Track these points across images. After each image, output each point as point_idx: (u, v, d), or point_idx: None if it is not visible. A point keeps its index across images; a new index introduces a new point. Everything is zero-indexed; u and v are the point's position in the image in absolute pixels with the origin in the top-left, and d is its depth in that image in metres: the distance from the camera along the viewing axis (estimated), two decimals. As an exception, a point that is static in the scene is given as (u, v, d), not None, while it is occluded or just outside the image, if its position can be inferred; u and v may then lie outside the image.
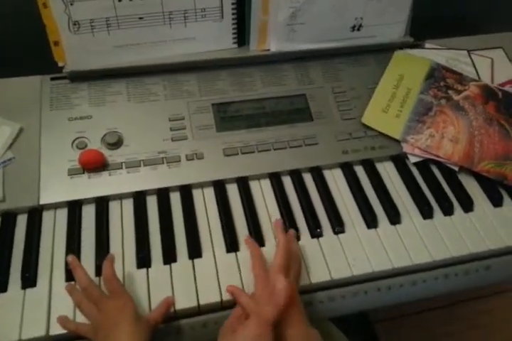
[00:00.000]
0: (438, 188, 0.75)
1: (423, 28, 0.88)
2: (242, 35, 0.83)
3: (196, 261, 0.66)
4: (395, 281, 0.67)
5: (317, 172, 0.76)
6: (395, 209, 0.72)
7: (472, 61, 0.89)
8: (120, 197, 0.72)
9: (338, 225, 0.70)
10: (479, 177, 0.76)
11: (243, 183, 0.74)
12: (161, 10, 0.77)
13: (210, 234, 0.69)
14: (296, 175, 0.76)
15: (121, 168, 0.73)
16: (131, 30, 0.78)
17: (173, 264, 0.65)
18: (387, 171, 0.78)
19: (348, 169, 0.77)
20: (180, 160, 0.74)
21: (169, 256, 0.66)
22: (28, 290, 0.62)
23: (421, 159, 0.78)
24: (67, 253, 0.65)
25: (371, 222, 0.70)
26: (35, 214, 0.69)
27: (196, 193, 0.73)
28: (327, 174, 0.76)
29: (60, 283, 0.63)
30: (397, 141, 0.78)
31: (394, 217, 0.71)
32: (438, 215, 0.72)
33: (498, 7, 1.04)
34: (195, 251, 0.66)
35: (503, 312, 1.34)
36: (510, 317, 1.34)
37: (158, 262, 0.65)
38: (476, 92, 0.83)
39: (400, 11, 0.86)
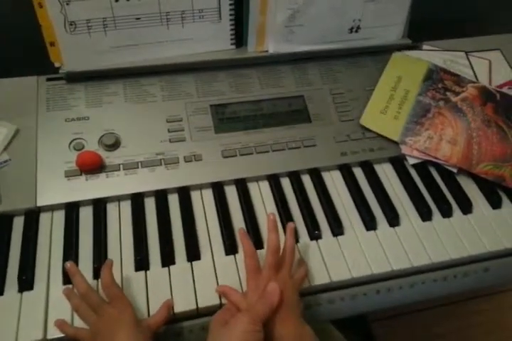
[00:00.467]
0: (437, 190, 0.75)
1: (421, 29, 0.87)
2: (240, 37, 0.83)
3: (195, 263, 0.65)
4: (394, 283, 0.67)
5: (316, 174, 0.76)
6: (394, 211, 0.72)
7: (470, 63, 0.89)
8: (118, 198, 0.71)
9: (336, 227, 0.69)
10: (478, 179, 0.76)
11: (242, 185, 0.74)
12: (159, 10, 0.77)
13: (209, 236, 0.68)
14: (294, 177, 0.75)
15: (119, 170, 0.72)
16: (128, 31, 0.77)
17: (171, 267, 0.65)
18: (386, 173, 0.78)
19: (346, 171, 0.77)
20: (178, 162, 0.74)
21: (167, 258, 0.65)
22: (25, 294, 0.62)
23: (419, 161, 0.78)
24: (64, 255, 0.65)
25: (370, 223, 0.70)
26: (32, 216, 0.69)
27: (194, 195, 0.73)
28: (326, 176, 0.76)
29: (57, 286, 0.62)
30: (396, 143, 0.78)
31: (393, 219, 0.71)
32: (437, 217, 0.72)
33: (495, 9, 1.04)
34: (193, 253, 0.66)
35: (498, 311, 1.35)
36: (506, 316, 1.35)
37: (156, 265, 0.65)
38: (474, 94, 0.83)
39: (398, 13, 0.86)
